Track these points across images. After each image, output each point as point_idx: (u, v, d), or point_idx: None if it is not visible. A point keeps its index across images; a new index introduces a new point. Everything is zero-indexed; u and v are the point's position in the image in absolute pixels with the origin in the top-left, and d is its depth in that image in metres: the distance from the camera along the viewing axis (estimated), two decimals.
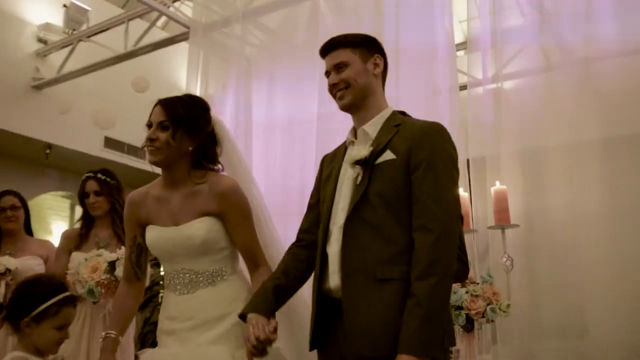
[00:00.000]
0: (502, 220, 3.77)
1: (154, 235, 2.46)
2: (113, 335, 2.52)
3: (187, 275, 2.40)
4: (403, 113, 2.39)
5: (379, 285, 2.06)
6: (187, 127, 2.42)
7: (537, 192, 4.29)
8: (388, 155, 2.17)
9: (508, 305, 3.05)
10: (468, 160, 4.23)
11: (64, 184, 8.47)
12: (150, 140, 2.40)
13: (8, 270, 3.83)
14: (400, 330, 1.97)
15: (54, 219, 8.71)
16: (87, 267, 3.31)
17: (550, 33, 4.38)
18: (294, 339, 2.59)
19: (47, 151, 7.85)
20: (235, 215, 2.44)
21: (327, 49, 2.39)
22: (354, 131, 2.39)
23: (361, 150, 2.20)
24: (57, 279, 2.87)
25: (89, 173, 3.79)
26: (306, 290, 2.42)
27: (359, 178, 2.17)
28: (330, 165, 2.43)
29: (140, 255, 2.57)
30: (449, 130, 2.24)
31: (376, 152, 2.19)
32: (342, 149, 2.41)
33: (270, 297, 2.24)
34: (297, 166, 4.78)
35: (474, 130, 4.39)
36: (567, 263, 4.02)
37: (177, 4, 6.37)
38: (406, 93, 4.02)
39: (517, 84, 4.54)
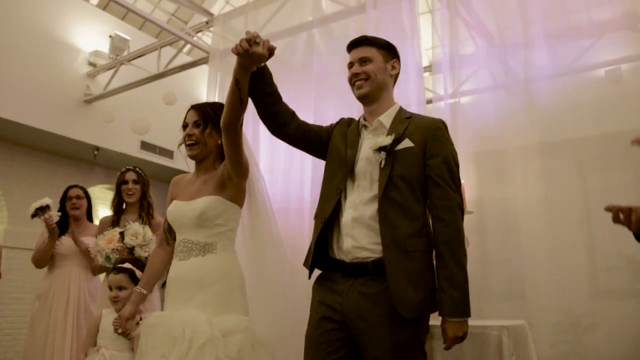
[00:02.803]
0: None
1: (171, 207, 2.44)
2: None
3: (187, 244, 2.33)
4: None
5: (409, 256, 1.98)
6: (214, 123, 2.41)
7: (488, 186, 4.33)
8: (407, 143, 2.08)
9: None
10: None
11: (109, 179, 8.44)
12: (188, 135, 2.42)
13: (48, 207, 3.89)
14: (428, 293, 1.98)
15: (101, 207, 8.64)
16: (105, 239, 3.37)
17: (496, 59, 4.42)
18: (272, 314, 2.43)
19: (95, 152, 7.83)
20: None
21: (355, 44, 2.27)
22: (364, 119, 2.27)
23: (385, 139, 2.09)
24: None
25: (128, 166, 3.83)
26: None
27: (383, 162, 2.07)
28: (346, 129, 2.31)
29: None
30: None
31: (396, 140, 2.09)
32: (357, 123, 2.30)
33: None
34: (297, 169, 4.71)
35: None
36: (511, 242, 4.07)
37: (199, 34, 6.38)
38: None
39: (471, 100, 4.54)
